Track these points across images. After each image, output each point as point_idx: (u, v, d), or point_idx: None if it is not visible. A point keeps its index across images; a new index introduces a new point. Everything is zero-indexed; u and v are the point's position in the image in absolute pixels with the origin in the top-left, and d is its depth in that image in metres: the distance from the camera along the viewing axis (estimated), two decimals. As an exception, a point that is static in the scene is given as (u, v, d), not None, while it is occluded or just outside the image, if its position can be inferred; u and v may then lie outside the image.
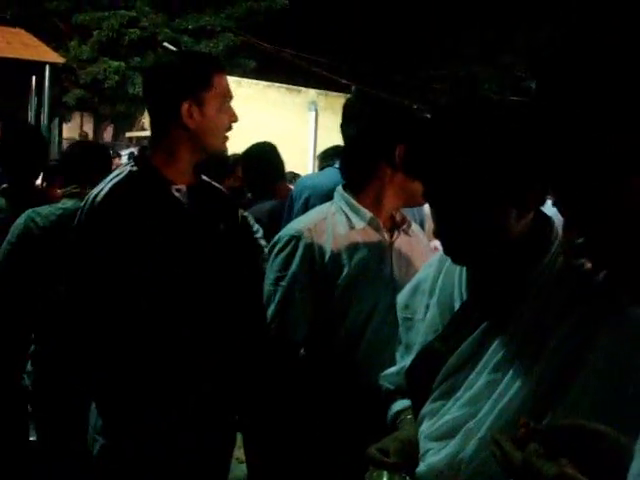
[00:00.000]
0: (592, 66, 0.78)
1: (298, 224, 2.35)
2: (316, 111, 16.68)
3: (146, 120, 18.56)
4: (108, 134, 21.19)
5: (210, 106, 2.19)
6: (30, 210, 3.12)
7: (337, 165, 3.13)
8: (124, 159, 12.19)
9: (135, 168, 2.23)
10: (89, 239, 2.15)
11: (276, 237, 2.34)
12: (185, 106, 2.16)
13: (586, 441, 1.06)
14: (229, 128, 2.27)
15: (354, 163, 2.33)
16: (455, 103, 1.55)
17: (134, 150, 15.52)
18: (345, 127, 3.20)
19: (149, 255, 2.14)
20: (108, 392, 2.20)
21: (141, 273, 2.14)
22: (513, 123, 1.43)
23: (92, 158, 3.34)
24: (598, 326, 1.39)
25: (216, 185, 2.45)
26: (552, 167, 0.84)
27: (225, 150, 2.33)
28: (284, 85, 17.43)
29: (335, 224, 2.27)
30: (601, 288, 1.41)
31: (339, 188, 2.35)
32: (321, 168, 4.33)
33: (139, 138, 18.05)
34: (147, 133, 17.27)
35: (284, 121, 15.26)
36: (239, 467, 3.52)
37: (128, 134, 19.45)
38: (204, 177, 2.39)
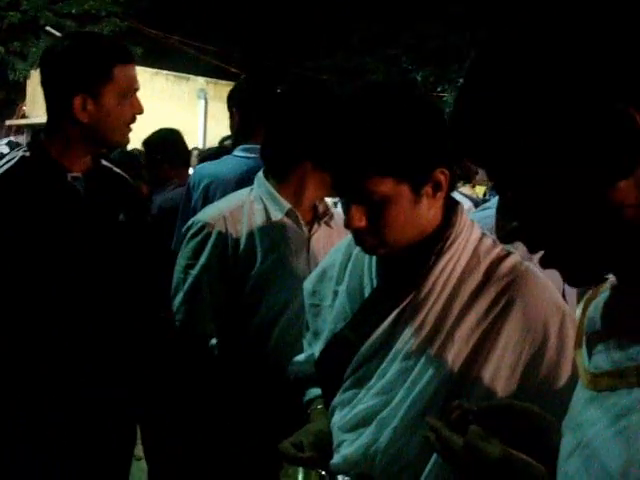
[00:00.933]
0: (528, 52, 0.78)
1: (214, 210, 2.28)
2: (205, 100, 16.47)
3: (27, 107, 17.87)
4: (-14, 122, 20.27)
5: (108, 99, 2.06)
6: None
7: (236, 153, 3.08)
8: (2, 148, 11.55)
9: (28, 154, 2.11)
10: None
11: (190, 221, 2.27)
12: (78, 100, 2.03)
13: (516, 420, 1.06)
14: (132, 120, 2.15)
15: (274, 154, 2.26)
16: (355, 92, 1.51)
17: (13, 139, 14.89)
18: (243, 114, 3.16)
19: (41, 247, 2.04)
20: None
21: (32, 265, 2.03)
22: (414, 106, 1.43)
23: None
24: (505, 314, 1.42)
25: (117, 171, 2.35)
26: (486, 151, 0.83)
27: (126, 143, 2.21)
28: (172, 73, 17.12)
29: (252, 213, 2.21)
30: (509, 276, 1.45)
31: (260, 175, 2.29)
32: (202, 159, 4.26)
33: (19, 126, 17.36)
34: (28, 121, 16.66)
35: (172, 110, 14.97)
36: (137, 464, 3.43)
37: (8, 122, 18.67)
38: (104, 162, 2.28)
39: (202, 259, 2.18)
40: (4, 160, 2.11)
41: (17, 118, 18.45)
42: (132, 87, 2.13)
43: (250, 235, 2.18)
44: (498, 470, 0.92)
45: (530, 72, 0.78)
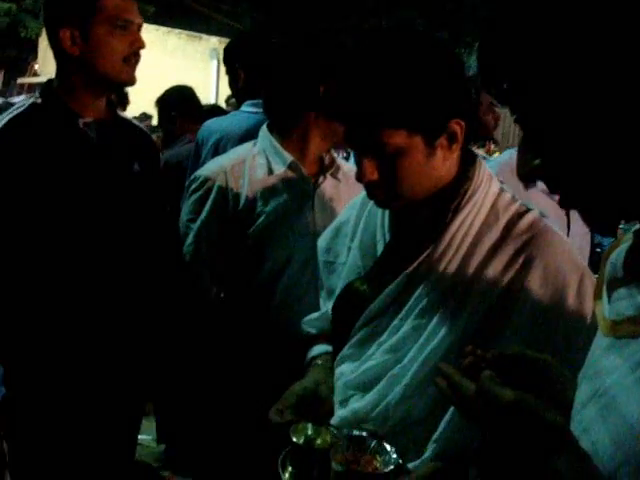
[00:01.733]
0: None
1: (216, 164, 2.25)
2: (218, 59, 16.36)
3: (38, 65, 17.78)
4: (-2, 80, 20.20)
5: (97, 31, 2.03)
6: None
7: (244, 108, 3.04)
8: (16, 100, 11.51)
9: (39, 100, 2.10)
10: None
11: (192, 176, 2.25)
12: (65, 33, 2.02)
13: (530, 369, 1.03)
14: (133, 55, 2.09)
15: (275, 107, 2.21)
16: (367, 41, 1.44)
17: (26, 97, 14.86)
18: (248, 70, 3.12)
19: (50, 191, 2.01)
20: (9, 339, 2.07)
21: (42, 208, 2.00)
22: (428, 56, 1.37)
23: None
24: (524, 272, 1.37)
25: (134, 122, 2.33)
26: (509, 87, 0.82)
27: (131, 81, 2.12)
28: (185, 31, 17.00)
29: (254, 167, 2.18)
30: (528, 233, 1.40)
31: (264, 128, 2.25)
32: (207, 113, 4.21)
33: (31, 84, 17.29)
34: (40, 79, 16.58)
35: (185, 69, 14.90)
36: (145, 420, 3.44)
37: (20, 80, 18.60)
38: (120, 113, 2.24)
39: (202, 214, 2.17)
40: (15, 106, 2.10)
41: (29, 76, 18.38)
42: (124, 18, 2.07)
43: (251, 190, 2.15)
44: (512, 414, 0.88)
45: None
